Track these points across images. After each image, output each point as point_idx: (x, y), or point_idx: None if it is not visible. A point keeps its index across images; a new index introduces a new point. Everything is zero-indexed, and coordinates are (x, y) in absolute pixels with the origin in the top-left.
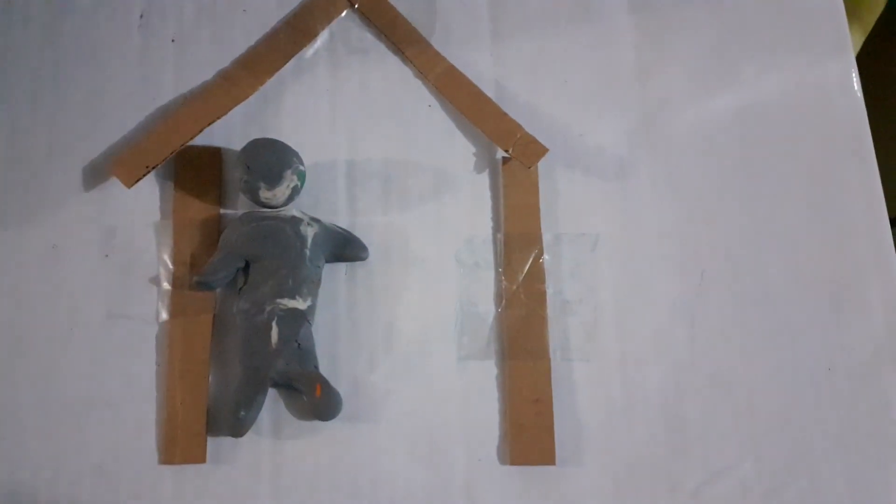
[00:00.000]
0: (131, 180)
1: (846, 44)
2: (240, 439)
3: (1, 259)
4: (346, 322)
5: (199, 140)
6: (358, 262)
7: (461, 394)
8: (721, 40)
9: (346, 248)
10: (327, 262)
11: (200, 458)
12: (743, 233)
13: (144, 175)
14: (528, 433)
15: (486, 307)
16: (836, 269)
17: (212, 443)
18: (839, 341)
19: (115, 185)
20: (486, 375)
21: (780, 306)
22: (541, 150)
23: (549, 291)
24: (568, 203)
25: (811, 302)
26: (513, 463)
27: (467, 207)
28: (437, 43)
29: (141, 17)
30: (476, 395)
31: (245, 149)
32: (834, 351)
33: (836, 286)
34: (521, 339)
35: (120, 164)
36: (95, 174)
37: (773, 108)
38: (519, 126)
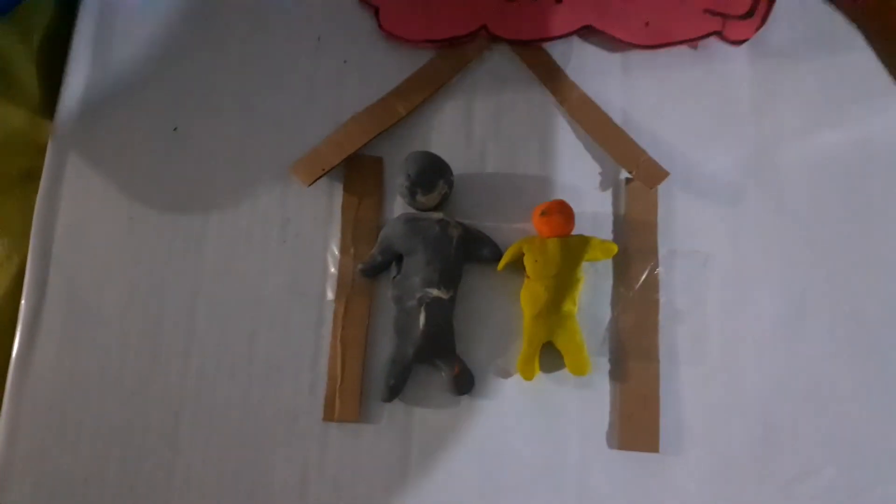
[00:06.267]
0: (309, 180)
1: None
2: (388, 404)
3: (208, 240)
4: (481, 313)
5: (365, 150)
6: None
7: (577, 382)
8: (829, 83)
9: (483, 248)
10: (466, 260)
11: (354, 417)
12: (843, 259)
13: (320, 177)
14: (636, 423)
15: (604, 310)
16: None
17: (364, 405)
18: None
19: (294, 184)
20: (600, 369)
21: (874, 328)
22: (662, 174)
23: (662, 300)
24: (683, 223)
25: None
26: (620, 448)
27: (590, 220)
28: (572, 74)
29: (318, 39)
30: (590, 385)
31: (407, 158)
32: None
33: None
34: (634, 342)
35: (300, 166)
36: (278, 174)
37: (877, 146)
38: (643, 151)
